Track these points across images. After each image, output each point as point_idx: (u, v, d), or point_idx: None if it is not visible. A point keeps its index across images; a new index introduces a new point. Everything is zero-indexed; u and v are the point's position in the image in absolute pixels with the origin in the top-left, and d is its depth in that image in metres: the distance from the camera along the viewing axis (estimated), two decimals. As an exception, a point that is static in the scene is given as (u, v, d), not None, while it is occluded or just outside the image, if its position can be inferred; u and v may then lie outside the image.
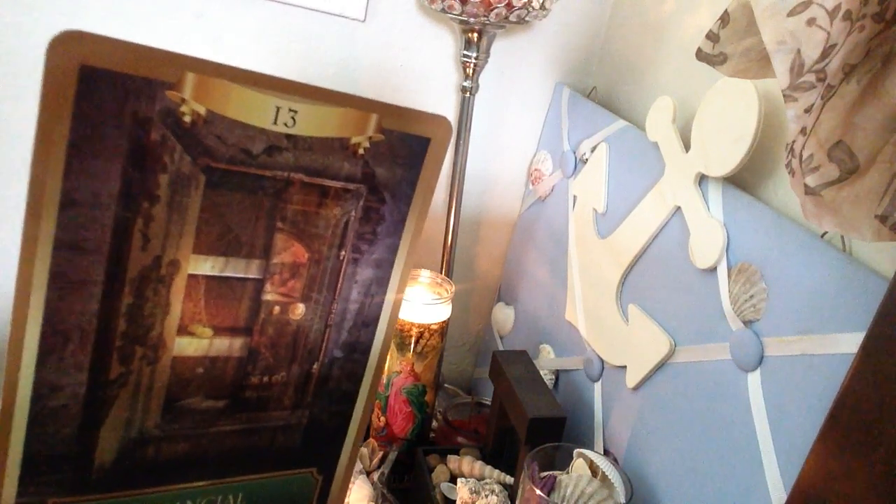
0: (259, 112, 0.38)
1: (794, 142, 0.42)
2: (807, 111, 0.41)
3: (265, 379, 0.47)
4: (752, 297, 0.58)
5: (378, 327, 0.50)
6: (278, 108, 0.39)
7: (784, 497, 0.53)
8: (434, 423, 0.91)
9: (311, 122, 0.40)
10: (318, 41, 0.88)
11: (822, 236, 0.55)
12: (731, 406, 0.59)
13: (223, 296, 0.43)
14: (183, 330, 0.43)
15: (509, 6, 0.79)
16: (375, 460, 0.80)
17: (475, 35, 0.85)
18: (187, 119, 0.37)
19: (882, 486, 0.41)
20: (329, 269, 0.46)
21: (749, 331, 0.58)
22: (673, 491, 0.65)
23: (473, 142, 0.96)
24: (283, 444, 0.51)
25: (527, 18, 0.81)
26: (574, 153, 0.90)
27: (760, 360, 0.57)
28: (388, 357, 0.65)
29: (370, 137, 0.42)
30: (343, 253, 0.46)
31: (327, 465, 0.53)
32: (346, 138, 0.42)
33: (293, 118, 0.40)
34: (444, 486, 0.75)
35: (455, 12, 0.80)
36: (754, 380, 0.57)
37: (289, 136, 0.40)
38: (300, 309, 0.46)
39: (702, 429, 0.63)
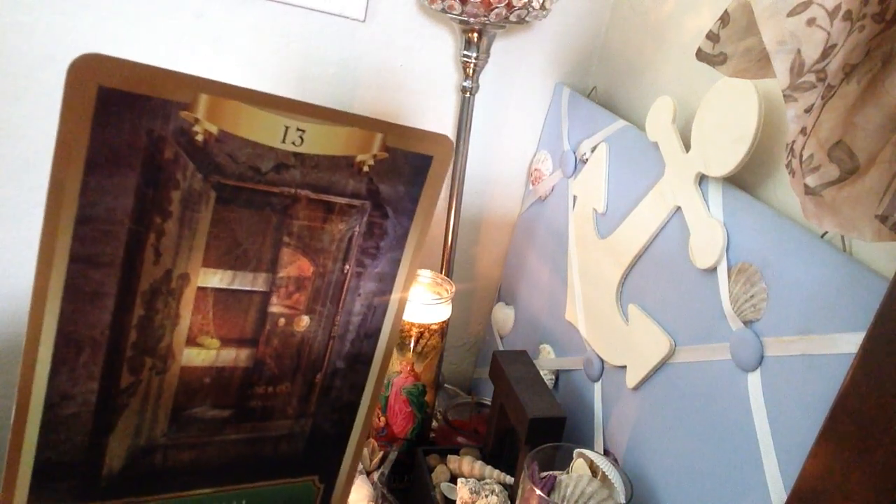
0: (269, 131, 0.40)
1: (794, 142, 0.42)
2: (807, 111, 0.41)
3: (269, 389, 0.49)
4: (752, 297, 0.58)
5: (380, 339, 0.51)
6: (287, 128, 0.40)
7: (784, 497, 0.53)
8: (434, 423, 0.91)
9: (319, 141, 0.42)
10: (318, 41, 0.88)
11: (822, 236, 0.55)
12: (731, 406, 0.59)
13: (231, 308, 0.45)
14: (191, 341, 0.44)
15: (509, 6, 0.79)
16: (375, 460, 0.80)
17: (475, 35, 0.85)
18: (200, 138, 0.38)
19: (882, 485, 0.41)
20: (333, 283, 0.47)
21: (749, 331, 0.58)
22: (673, 491, 0.65)
23: (473, 142, 0.96)
24: (286, 453, 0.51)
25: (527, 18, 0.81)
26: (574, 153, 0.90)
27: (760, 360, 0.57)
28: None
29: (375, 155, 0.44)
30: (347, 267, 0.47)
31: (329, 473, 0.54)
32: (352, 156, 0.43)
33: (301, 137, 0.41)
34: (444, 486, 0.75)
35: (455, 12, 0.80)
36: (754, 380, 0.57)
37: (296, 155, 0.41)
38: (305, 321, 0.47)
39: (702, 429, 0.63)
